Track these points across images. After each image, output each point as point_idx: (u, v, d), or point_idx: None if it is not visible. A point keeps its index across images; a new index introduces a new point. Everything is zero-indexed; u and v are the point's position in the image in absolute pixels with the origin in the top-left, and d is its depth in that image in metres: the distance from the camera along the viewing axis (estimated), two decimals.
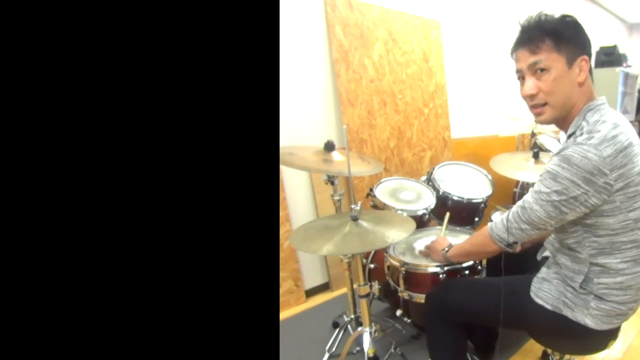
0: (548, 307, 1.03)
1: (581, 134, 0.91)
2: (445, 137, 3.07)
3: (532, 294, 1.06)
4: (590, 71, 0.97)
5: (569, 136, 0.96)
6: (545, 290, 1.05)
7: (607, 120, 0.90)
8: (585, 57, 0.94)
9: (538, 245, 1.26)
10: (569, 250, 1.00)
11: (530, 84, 0.94)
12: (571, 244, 0.99)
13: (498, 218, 1.06)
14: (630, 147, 0.88)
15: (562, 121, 0.99)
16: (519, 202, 1.00)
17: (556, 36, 0.91)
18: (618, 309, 0.98)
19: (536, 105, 0.96)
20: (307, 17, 2.19)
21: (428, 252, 1.40)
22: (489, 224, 1.08)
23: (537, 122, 1.02)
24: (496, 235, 1.04)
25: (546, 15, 0.94)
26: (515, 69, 0.99)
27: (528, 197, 0.97)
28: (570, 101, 0.95)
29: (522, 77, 0.97)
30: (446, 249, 1.28)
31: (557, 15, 0.94)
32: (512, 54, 1.00)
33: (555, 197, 0.90)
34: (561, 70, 0.92)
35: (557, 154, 0.91)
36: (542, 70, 0.92)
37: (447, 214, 1.72)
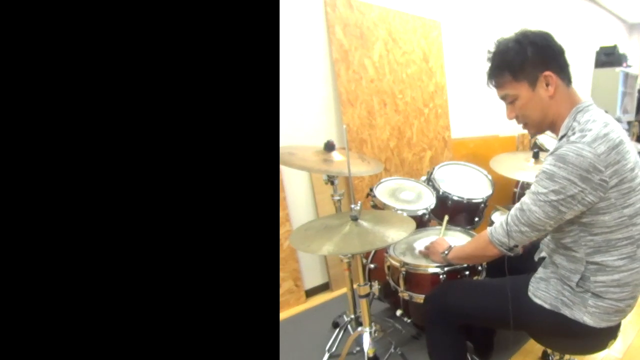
0: (546, 306, 1.03)
1: (573, 134, 0.92)
2: (445, 137, 3.07)
3: (530, 294, 1.07)
4: (567, 77, 0.99)
5: (561, 137, 0.98)
6: (543, 289, 1.05)
7: (597, 120, 0.92)
8: (547, 72, 0.96)
9: (536, 245, 1.26)
10: (565, 249, 1.01)
11: (508, 111, 1.04)
12: (567, 244, 0.99)
13: (497, 222, 1.06)
14: (621, 145, 0.89)
15: (552, 128, 1.03)
16: (517, 205, 1.01)
17: (510, 68, 0.97)
18: (616, 306, 0.98)
19: (521, 124, 1.05)
20: (307, 17, 2.19)
21: (427, 253, 1.40)
22: (489, 228, 1.08)
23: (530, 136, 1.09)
24: (496, 240, 1.05)
25: (498, 44, 1.00)
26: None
27: (526, 199, 0.98)
28: (548, 114, 1.00)
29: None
30: (446, 251, 1.28)
31: (505, 39, 0.99)
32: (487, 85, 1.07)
33: (553, 197, 0.91)
34: (526, 95, 0.98)
35: (552, 153, 0.92)
36: (512, 100, 1.01)
37: (446, 217, 1.72)
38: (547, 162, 0.92)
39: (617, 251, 0.94)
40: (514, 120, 1.06)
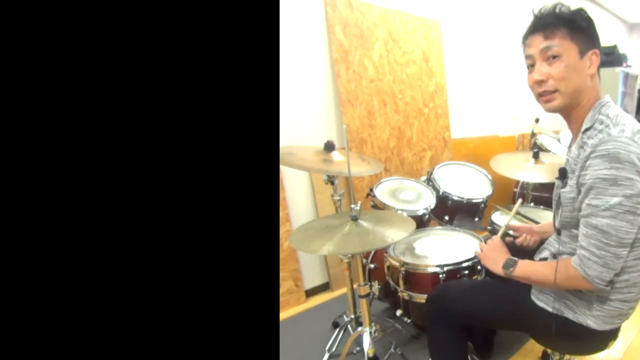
0: (549, 309, 1.02)
1: (607, 127, 0.88)
2: (445, 137, 3.07)
3: (533, 297, 1.06)
4: (598, 69, 0.96)
5: (586, 130, 0.93)
6: (546, 292, 1.04)
7: (624, 115, 0.90)
8: (597, 51, 0.93)
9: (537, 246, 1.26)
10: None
11: (541, 69, 0.93)
12: None
13: (581, 260, 0.90)
14: None
15: (569, 112, 0.97)
16: (589, 232, 0.88)
17: (571, 25, 0.91)
18: (619, 309, 0.97)
19: (545, 92, 0.94)
20: (307, 17, 2.19)
21: (482, 257, 1.17)
22: (578, 268, 0.90)
23: (545, 110, 0.98)
24: (597, 280, 0.89)
25: (562, 5, 0.94)
26: (525, 55, 0.97)
27: (600, 220, 0.86)
28: (580, 91, 0.93)
29: (531, 65, 0.96)
30: (510, 268, 1.04)
31: (572, 8, 0.95)
32: (524, 40, 0.99)
33: (628, 203, 0.83)
34: (573, 59, 0.91)
35: (597, 155, 0.84)
36: (554, 57, 0.91)
37: (519, 201, 1.43)
38: (597, 166, 0.84)
39: (633, 253, 0.92)
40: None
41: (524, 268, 1.03)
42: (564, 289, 0.99)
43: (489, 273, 1.44)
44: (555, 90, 0.93)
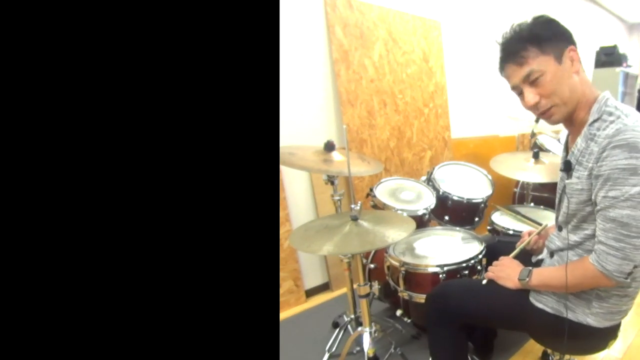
0: (549, 310, 1.02)
1: (618, 118, 0.88)
2: (445, 137, 3.07)
3: (531, 299, 1.06)
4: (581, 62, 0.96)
5: (593, 122, 0.92)
6: (545, 294, 1.04)
7: (628, 106, 0.91)
8: (572, 46, 0.93)
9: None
10: (583, 252, 0.98)
11: (530, 94, 0.93)
12: (588, 246, 0.96)
13: (598, 255, 0.89)
14: None
15: (572, 113, 0.96)
16: (607, 226, 0.87)
17: (536, 40, 0.91)
18: (618, 304, 0.97)
19: (543, 111, 0.95)
20: (307, 17, 2.19)
21: (496, 277, 1.13)
22: (595, 264, 0.90)
23: (550, 124, 0.98)
24: (616, 274, 0.88)
25: (519, 24, 0.94)
26: (511, 87, 0.98)
27: (620, 211, 0.84)
28: (576, 92, 0.93)
29: (520, 93, 0.97)
30: (527, 278, 1.04)
31: (529, 19, 0.95)
32: (500, 72, 1.00)
33: None
34: (553, 69, 0.91)
35: (616, 145, 0.84)
36: (538, 77, 0.92)
37: (545, 225, 1.39)
38: (615, 157, 0.83)
39: None
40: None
41: (540, 275, 1.03)
42: (582, 289, 0.98)
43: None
44: (551, 107, 0.93)
